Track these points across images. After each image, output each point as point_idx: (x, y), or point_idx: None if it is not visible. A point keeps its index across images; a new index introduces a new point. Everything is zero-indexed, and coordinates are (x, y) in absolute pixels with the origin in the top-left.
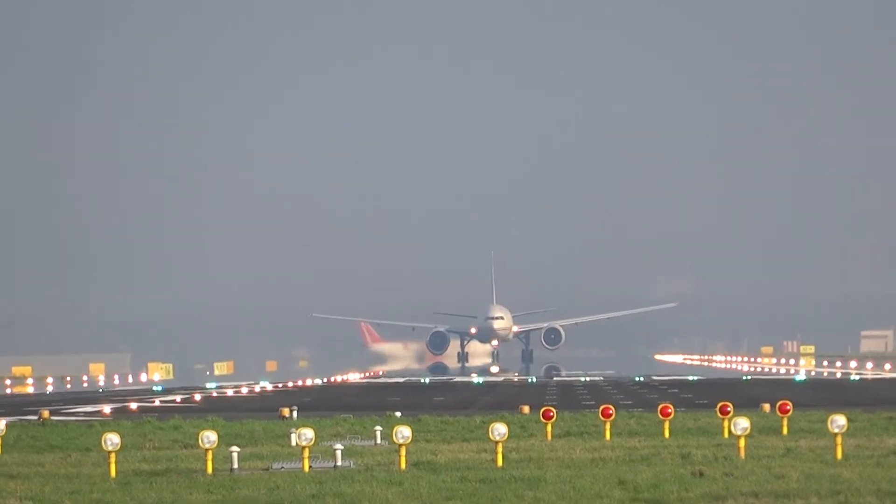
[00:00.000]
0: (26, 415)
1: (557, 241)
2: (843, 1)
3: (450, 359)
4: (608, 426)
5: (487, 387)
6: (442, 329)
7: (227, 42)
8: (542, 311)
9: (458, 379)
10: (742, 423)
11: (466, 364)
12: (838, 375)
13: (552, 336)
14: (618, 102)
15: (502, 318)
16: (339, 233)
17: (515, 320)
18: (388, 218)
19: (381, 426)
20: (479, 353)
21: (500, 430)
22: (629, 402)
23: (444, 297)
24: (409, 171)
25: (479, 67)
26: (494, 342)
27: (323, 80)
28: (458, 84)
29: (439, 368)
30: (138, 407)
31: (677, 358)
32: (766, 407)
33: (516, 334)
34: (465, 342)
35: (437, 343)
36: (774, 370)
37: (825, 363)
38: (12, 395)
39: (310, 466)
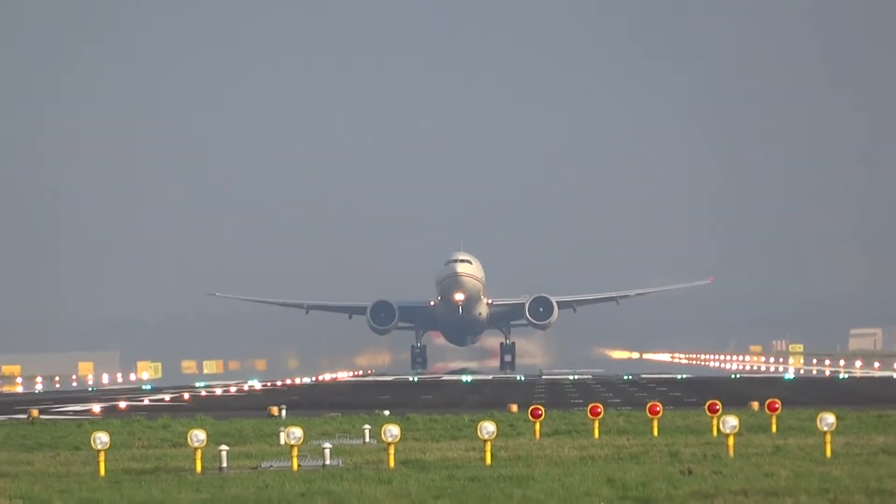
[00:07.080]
0: (16, 414)
1: (536, 232)
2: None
3: (399, 357)
4: (597, 424)
5: (475, 385)
6: (389, 300)
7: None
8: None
9: (446, 377)
10: (731, 422)
11: (423, 368)
12: (827, 374)
13: (541, 309)
14: (606, 104)
15: (469, 262)
16: (331, 230)
17: (491, 299)
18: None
19: (370, 425)
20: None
21: (488, 428)
22: (618, 401)
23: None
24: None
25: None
26: (459, 296)
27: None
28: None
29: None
30: (127, 406)
31: (665, 356)
32: (755, 405)
33: (491, 308)
34: (421, 333)
35: (381, 318)
36: (763, 368)
37: (814, 361)
38: (1, 394)
39: (298, 465)
